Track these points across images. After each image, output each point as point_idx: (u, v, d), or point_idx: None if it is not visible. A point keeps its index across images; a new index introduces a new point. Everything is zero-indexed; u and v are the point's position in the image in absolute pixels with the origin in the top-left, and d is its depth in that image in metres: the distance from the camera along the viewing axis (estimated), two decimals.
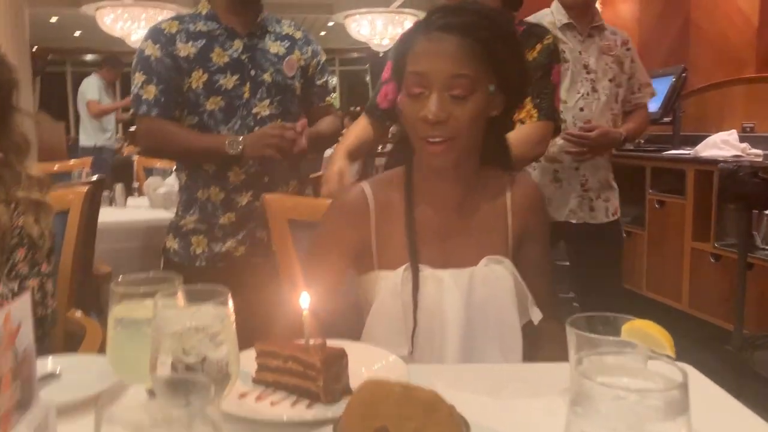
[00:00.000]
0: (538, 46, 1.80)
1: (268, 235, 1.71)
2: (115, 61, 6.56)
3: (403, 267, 1.10)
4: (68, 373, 0.94)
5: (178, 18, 1.87)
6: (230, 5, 1.83)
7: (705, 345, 3.11)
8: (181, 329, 0.66)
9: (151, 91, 1.80)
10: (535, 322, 1.12)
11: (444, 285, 1.10)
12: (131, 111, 1.98)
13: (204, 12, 1.85)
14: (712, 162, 3.34)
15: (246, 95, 1.82)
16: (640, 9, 5.20)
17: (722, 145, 3.61)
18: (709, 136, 3.73)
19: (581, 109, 2.26)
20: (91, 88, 6.22)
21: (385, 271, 1.12)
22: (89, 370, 0.93)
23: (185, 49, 1.80)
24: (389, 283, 1.10)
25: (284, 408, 0.82)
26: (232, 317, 0.69)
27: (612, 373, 0.54)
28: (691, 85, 4.38)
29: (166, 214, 2.84)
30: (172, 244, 1.91)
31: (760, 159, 3.37)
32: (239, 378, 0.87)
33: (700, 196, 3.59)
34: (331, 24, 11.17)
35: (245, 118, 1.81)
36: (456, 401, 0.62)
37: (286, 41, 1.91)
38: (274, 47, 1.88)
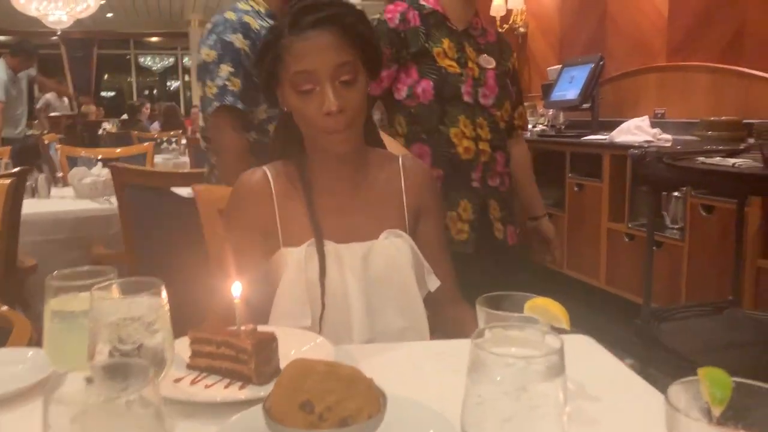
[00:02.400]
0: (514, 54, 1.90)
1: None
2: (27, 50, 5.56)
3: (307, 243, 1.17)
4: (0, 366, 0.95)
5: (245, 12, 1.89)
6: (285, 6, 1.90)
7: (618, 319, 3.33)
8: (117, 319, 0.70)
9: (237, 84, 1.83)
10: (432, 290, 1.22)
11: (345, 259, 1.17)
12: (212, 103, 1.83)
13: (263, 11, 1.92)
14: (625, 147, 3.54)
15: None
16: (562, 1, 5.40)
17: (635, 130, 3.83)
18: (625, 121, 3.95)
19: None
20: None
21: (290, 248, 1.18)
22: (22, 363, 0.95)
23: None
24: (294, 259, 1.16)
25: (218, 390, 0.87)
26: (167, 307, 0.74)
27: (513, 344, 0.62)
28: (608, 73, 4.61)
29: (92, 205, 2.81)
30: None
31: (669, 144, 3.60)
32: (174, 364, 0.92)
33: (616, 180, 3.81)
34: None
35: None
36: (375, 376, 0.69)
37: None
38: None
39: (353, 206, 1.23)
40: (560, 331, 0.83)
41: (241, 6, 1.93)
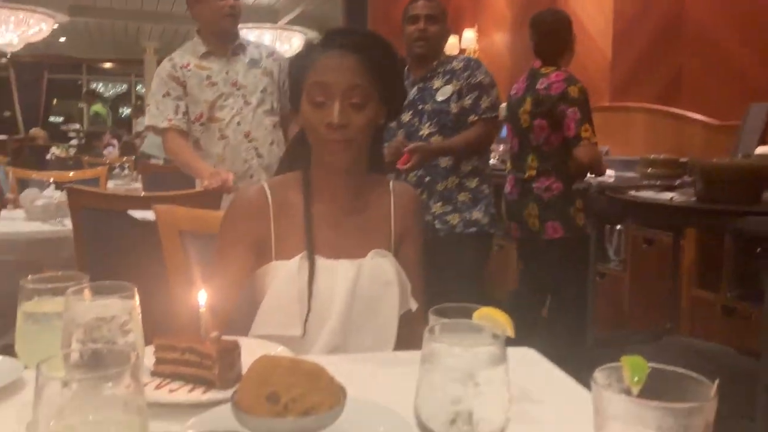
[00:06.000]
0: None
1: (432, 218, 2.49)
2: None
3: (300, 255, 1.23)
4: None
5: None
6: (412, 62, 2.57)
7: (565, 345, 3.43)
8: (91, 320, 0.74)
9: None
10: (413, 309, 1.29)
11: (336, 273, 1.24)
12: None
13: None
14: None
15: (415, 123, 2.53)
16: (512, 42, 5.64)
17: None
18: None
19: None
20: None
21: (282, 261, 1.24)
22: None
23: None
24: (285, 271, 1.22)
25: (183, 393, 0.91)
26: (138, 309, 0.78)
27: (461, 339, 0.69)
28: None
29: (45, 227, 2.77)
30: None
31: (612, 180, 3.79)
32: None
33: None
34: None
35: (414, 139, 2.47)
36: (336, 377, 0.75)
37: (447, 75, 2.54)
38: (438, 83, 2.54)
39: (346, 224, 1.31)
40: (506, 339, 0.91)
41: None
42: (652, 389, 0.56)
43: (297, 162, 1.36)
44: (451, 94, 2.51)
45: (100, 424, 0.53)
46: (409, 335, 1.29)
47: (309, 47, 1.31)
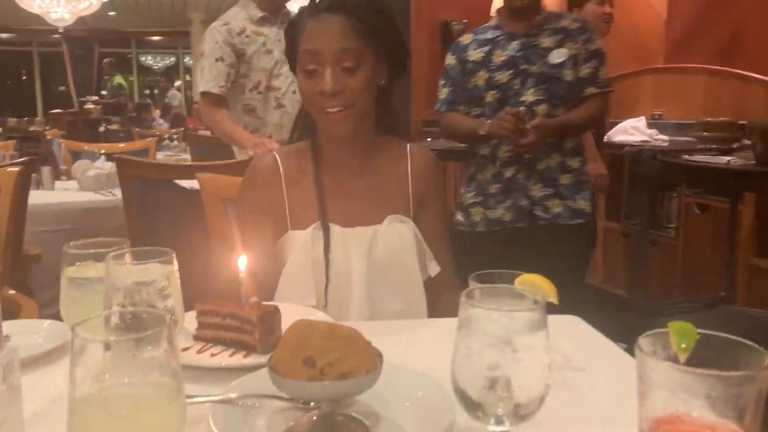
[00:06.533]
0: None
1: (529, 203, 2.25)
2: None
3: (313, 225, 1.22)
4: (17, 336, 1.00)
5: (474, 31, 2.33)
6: (511, 15, 2.24)
7: (611, 313, 3.37)
8: (131, 284, 0.75)
9: (444, 92, 2.34)
10: (432, 275, 1.27)
11: (350, 242, 1.22)
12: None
13: (494, 23, 2.30)
14: (621, 146, 3.59)
15: (517, 86, 2.20)
16: (561, 3, 5.45)
17: (632, 130, 3.87)
18: (621, 122, 4.00)
19: None
20: None
21: (297, 230, 1.24)
22: (37, 333, 1.00)
23: (474, 54, 2.26)
24: (300, 241, 1.22)
25: (223, 357, 0.92)
26: (177, 273, 0.78)
27: (499, 304, 0.67)
28: (606, 75, 4.65)
29: (96, 197, 2.85)
30: (459, 216, 2.37)
31: (666, 144, 3.66)
32: (182, 335, 0.97)
33: (613, 179, 3.85)
34: None
35: (514, 105, 2.17)
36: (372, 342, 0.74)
37: (560, 35, 2.20)
38: (547, 41, 2.20)
39: (359, 190, 1.28)
40: (549, 306, 0.89)
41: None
42: (701, 357, 0.53)
43: (305, 130, 1.34)
44: (567, 59, 2.17)
45: (136, 386, 0.54)
46: (437, 302, 1.28)
47: (298, 14, 1.26)
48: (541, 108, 2.18)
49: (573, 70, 2.17)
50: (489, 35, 2.27)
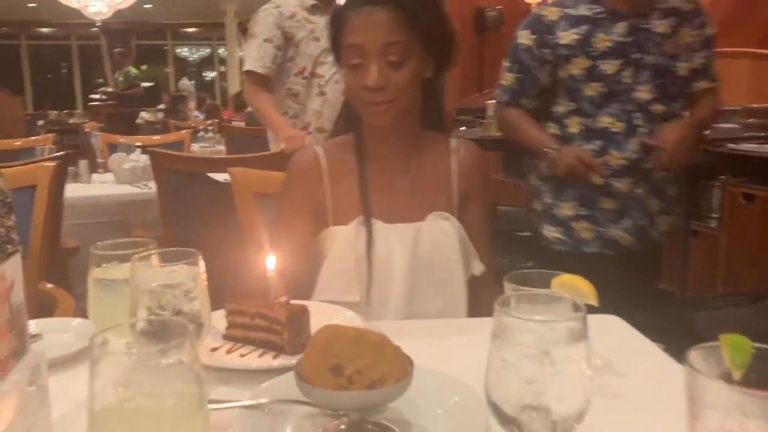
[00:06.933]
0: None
1: (651, 222, 1.87)
2: None
3: (356, 221, 1.19)
4: (48, 335, 1.00)
5: (560, 3, 1.88)
6: None
7: (651, 307, 3.29)
8: (156, 286, 0.74)
9: (508, 79, 1.95)
10: (478, 275, 1.24)
11: (392, 238, 1.19)
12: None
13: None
14: None
15: (627, 80, 1.81)
16: None
17: None
18: None
19: None
20: None
21: (339, 226, 1.21)
22: (68, 331, 1.00)
23: (567, 36, 1.84)
24: (343, 237, 1.19)
25: (252, 359, 0.90)
26: (204, 276, 0.77)
27: (536, 312, 0.63)
28: None
29: (132, 190, 2.88)
30: (552, 233, 1.94)
31: (708, 132, 3.54)
32: (211, 334, 0.95)
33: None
34: None
35: (624, 103, 1.82)
36: (403, 348, 0.71)
37: (673, 17, 1.83)
38: (660, 26, 1.82)
39: (402, 186, 1.25)
40: (588, 307, 0.85)
41: None
42: (758, 373, 0.49)
43: (350, 123, 1.31)
44: (683, 47, 1.84)
45: (157, 397, 0.52)
46: (477, 301, 1.25)
47: (342, 6, 1.22)
48: (658, 108, 1.82)
49: (687, 62, 1.84)
50: (584, 11, 1.84)
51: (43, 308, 1.73)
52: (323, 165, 1.25)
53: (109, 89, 10.58)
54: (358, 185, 1.23)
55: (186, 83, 12.01)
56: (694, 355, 0.50)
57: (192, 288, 0.75)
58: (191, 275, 0.76)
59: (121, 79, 8.63)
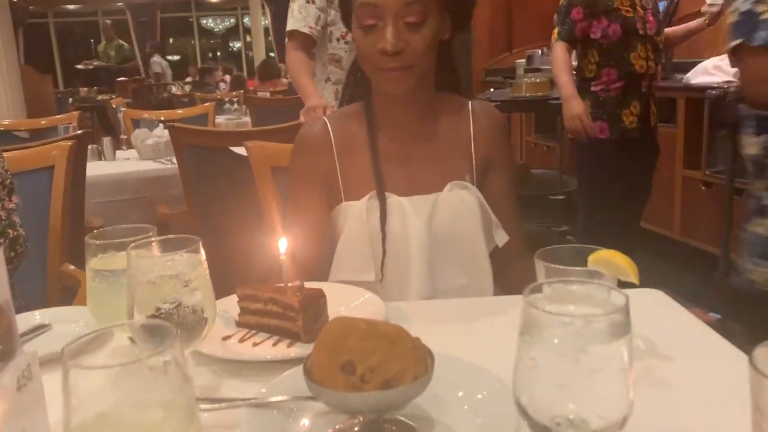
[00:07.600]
0: None
1: None
2: None
3: (368, 195, 1.12)
4: (58, 325, 0.97)
5: None
6: None
7: (694, 272, 3.17)
8: (154, 277, 0.68)
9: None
10: (500, 245, 1.15)
11: (408, 212, 1.12)
12: None
13: None
14: (702, 89, 3.30)
15: None
16: None
17: (713, 70, 3.56)
18: (702, 61, 3.68)
19: None
20: None
21: (352, 201, 1.14)
22: (78, 321, 0.96)
23: None
24: (355, 212, 1.12)
25: (266, 348, 0.85)
26: (205, 264, 0.71)
27: (572, 300, 0.56)
28: (685, 9, 4.29)
29: (155, 165, 2.85)
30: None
31: None
32: (224, 321, 0.90)
33: (691, 124, 3.58)
34: None
35: None
36: (425, 334, 0.65)
37: None
38: None
39: (417, 155, 1.17)
40: (628, 285, 0.77)
41: None
42: None
43: (358, 91, 1.22)
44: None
45: (140, 411, 0.46)
46: (505, 274, 1.17)
47: None
48: None
49: None
50: None
51: (66, 289, 1.72)
52: (332, 137, 1.18)
53: (93, 63, 10.46)
54: (369, 157, 1.15)
55: (157, 60, 11.62)
56: (760, 353, 0.42)
57: (193, 278, 0.69)
58: (192, 264, 0.70)
59: (113, 53, 8.56)
